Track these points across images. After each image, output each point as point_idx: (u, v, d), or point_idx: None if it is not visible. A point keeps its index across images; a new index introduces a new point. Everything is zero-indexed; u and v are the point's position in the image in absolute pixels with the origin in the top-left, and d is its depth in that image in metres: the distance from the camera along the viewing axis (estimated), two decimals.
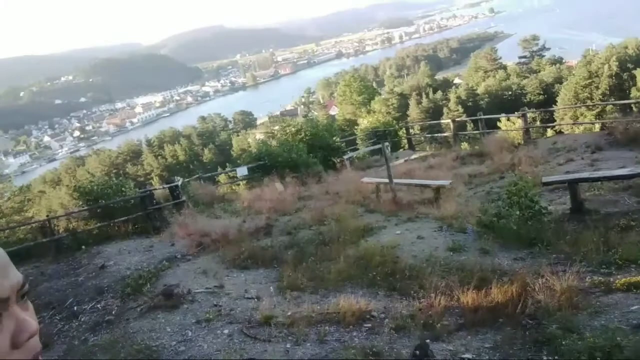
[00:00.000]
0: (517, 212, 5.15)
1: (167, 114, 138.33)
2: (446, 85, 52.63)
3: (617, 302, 3.67)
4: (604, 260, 4.36)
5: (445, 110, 42.04)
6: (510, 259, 4.71)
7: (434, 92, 47.69)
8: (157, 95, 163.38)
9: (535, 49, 50.22)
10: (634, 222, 5.10)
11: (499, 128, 17.45)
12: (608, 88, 35.38)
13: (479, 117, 13.73)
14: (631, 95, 32.16)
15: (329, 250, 5.59)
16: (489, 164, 9.20)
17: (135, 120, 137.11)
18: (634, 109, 17.94)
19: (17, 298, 0.56)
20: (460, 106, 41.06)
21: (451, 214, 6.10)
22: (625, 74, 37.23)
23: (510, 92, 41.37)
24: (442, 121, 27.00)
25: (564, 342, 3.12)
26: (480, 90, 43.77)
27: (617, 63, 36.77)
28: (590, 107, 29.73)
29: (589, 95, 35.31)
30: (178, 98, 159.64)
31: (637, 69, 35.94)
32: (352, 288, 4.72)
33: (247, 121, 73.27)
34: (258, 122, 77.46)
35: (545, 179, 5.89)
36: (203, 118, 69.42)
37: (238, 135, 53.88)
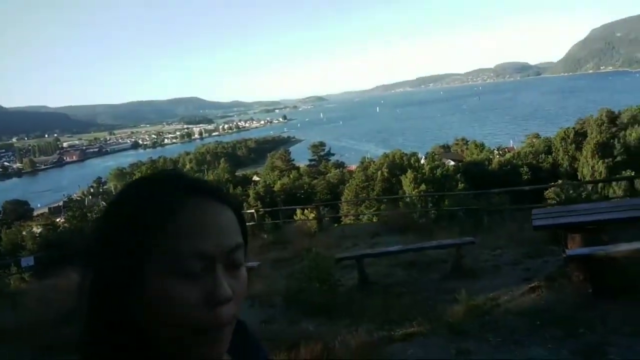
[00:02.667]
0: (317, 285, 5.88)
1: None
2: (245, 181, 55.27)
3: (398, 350, 4.50)
4: (386, 319, 5.26)
5: (245, 204, 43.67)
6: (314, 324, 5.29)
7: (234, 187, 49.49)
8: None
9: (322, 153, 57.41)
10: (405, 289, 6.34)
11: (294, 220, 19.09)
12: (381, 190, 41.87)
13: (280, 208, 15.02)
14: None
15: None
16: (291, 249, 10.07)
17: None
18: (401, 204, 21.94)
19: (226, 261, 0.58)
20: (259, 202, 43.27)
21: (260, 292, 6.54)
22: (394, 178, 44.77)
23: (303, 190, 45.38)
24: (247, 211, 27.98)
25: None
26: (276, 187, 47.09)
27: (387, 170, 44.27)
28: (368, 205, 34.61)
29: (367, 195, 41.09)
30: None
31: (403, 175, 43.68)
32: None
33: (20, 212, 63.70)
34: (35, 212, 67.95)
35: (338, 256, 6.90)
36: None
37: (10, 228, 46.14)
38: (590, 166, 42.82)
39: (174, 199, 0.57)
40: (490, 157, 52.83)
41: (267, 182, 50.22)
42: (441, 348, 4.40)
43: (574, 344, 4.03)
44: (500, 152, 59.62)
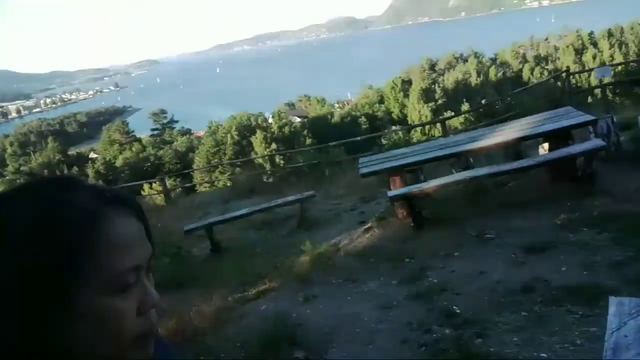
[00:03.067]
0: (167, 260, 5.79)
1: None
2: (82, 160, 50.17)
3: (252, 308, 4.73)
4: (240, 282, 5.44)
5: None
6: (167, 300, 5.24)
7: (69, 168, 44.70)
8: None
9: (165, 122, 54.39)
10: (257, 249, 6.59)
11: (142, 196, 18.14)
12: (234, 153, 41.46)
13: (123, 185, 14.08)
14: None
15: None
16: None
17: None
18: (257, 164, 22.19)
19: (147, 266, 0.59)
20: (100, 180, 39.84)
21: None
22: (244, 140, 44.54)
23: (149, 163, 42.87)
24: None
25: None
26: (118, 163, 43.73)
27: (237, 132, 43.87)
28: (221, 170, 34.16)
29: (219, 160, 40.37)
30: None
31: (253, 136, 43.64)
32: None
33: None
34: None
35: (186, 227, 6.82)
36: None
37: None
38: (417, 111, 47.57)
39: (97, 213, 0.54)
40: (332, 111, 55.44)
41: (107, 159, 46.31)
42: (290, 298, 4.73)
43: (400, 274, 4.66)
44: (340, 106, 62.87)
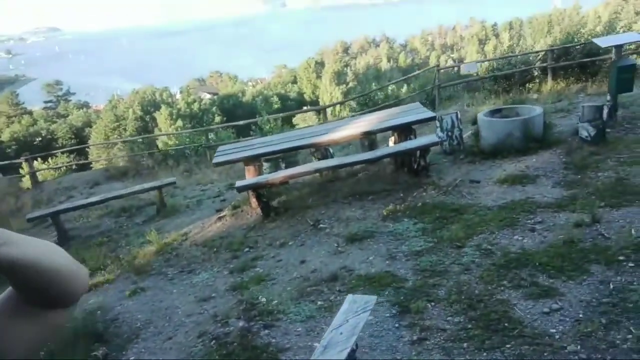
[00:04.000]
0: None
1: None
2: None
3: (80, 301, 4.53)
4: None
5: None
6: None
7: None
8: None
9: (60, 93, 50.22)
10: (108, 238, 6.33)
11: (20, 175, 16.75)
12: (135, 129, 39.40)
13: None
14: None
15: None
16: None
17: None
18: (159, 144, 21.14)
19: None
20: None
21: None
22: (147, 116, 42.46)
23: (40, 138, 39.66)
24: None
25: None
26: (4, 137, 39.95)
27: (140, 107, 41.67)
28: (121, 147, 32.35)
29: (118, 136, 38.21)
30: None
31: (157, 111, 41.72)
32: None
33: None
34: None
35: (30, 216, 6.37)
36: None
37: None
38: (329, 93, 48.22)
39: None
40: (245, 89, 54.51)
41: None
42: (120, 291, 4.62)
43: (234, 263, 4.71)
44: (253, 84, 61.99)
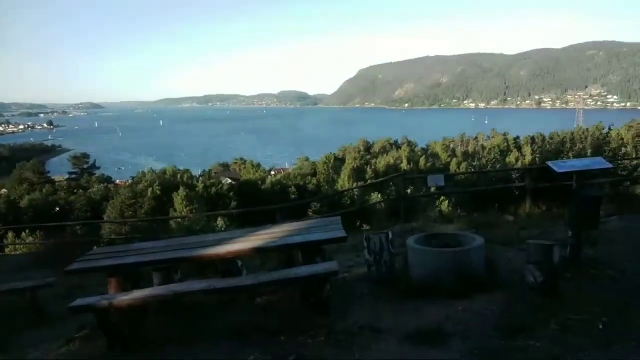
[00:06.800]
0: None
1: None
2: None
3: None
4: None
5: None
6: None
7: None
8: None
9: (85, 166, 51.69)
10: None
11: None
12: (150, 208, 39.55)
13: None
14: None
15: None
16: None
17: None
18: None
19: None
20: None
21: None
22: (165, 196, 42.87)
23: (58, 208, 40.15)
24: None
25: None
26: (23, 203, 40.57)
27: (159, 187, 42.22)
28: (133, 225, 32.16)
29: (133, 214, 38.28)
30: None
31: (174, 192, 42.15)
32: None
33: None
34: None
35: None
36: None
37: None
38: (346, 188, 48.47)
39: None
40: (265, 176, 55.34)
41: (12, 197, 42.77)
42: None
43: None
44: (275, 173, 63.23)
